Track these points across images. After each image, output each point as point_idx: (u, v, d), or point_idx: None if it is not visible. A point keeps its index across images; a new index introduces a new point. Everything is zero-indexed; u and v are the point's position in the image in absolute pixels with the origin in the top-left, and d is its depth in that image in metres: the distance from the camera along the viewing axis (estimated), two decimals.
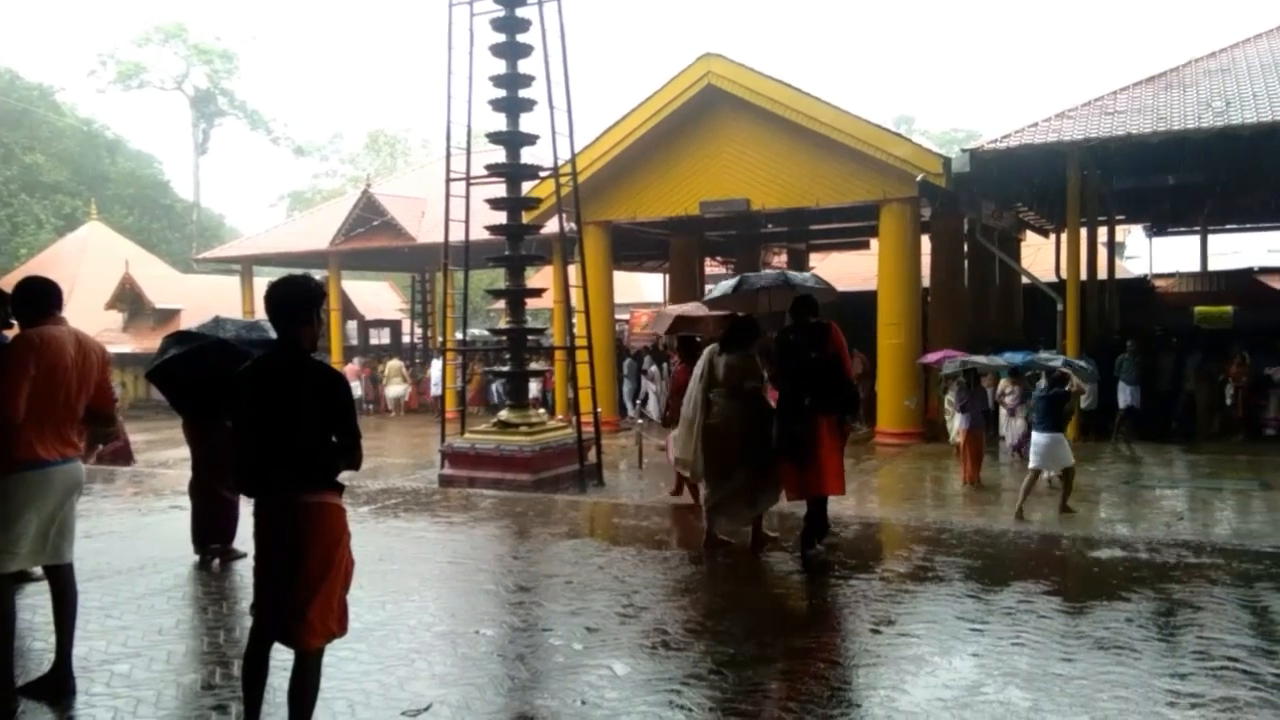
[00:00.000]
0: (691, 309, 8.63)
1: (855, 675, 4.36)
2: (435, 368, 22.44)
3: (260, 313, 4.28)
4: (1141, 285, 28.11)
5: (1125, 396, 16.11)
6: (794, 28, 78.66)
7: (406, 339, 32.44)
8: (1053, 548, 7.00)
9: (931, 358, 12.70)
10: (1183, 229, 28.98)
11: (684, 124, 17.46)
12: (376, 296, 36.72)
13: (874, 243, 20.08)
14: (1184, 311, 26.00)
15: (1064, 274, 16.66)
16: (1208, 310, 25.93)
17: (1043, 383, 11.23)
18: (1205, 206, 24.08)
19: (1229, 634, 4.73)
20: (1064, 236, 18.13)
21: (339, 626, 3.61)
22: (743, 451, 6.77)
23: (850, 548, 7.07)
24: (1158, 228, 29.76)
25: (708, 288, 27.32)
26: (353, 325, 32.69)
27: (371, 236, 23.29)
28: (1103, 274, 23.92)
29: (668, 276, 25.41)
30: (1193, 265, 28.50)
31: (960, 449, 11.65)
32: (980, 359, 11.87)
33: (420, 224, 22.78)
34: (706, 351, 7.10)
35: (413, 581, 6.16)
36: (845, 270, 29.41)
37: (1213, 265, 28.14)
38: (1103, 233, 23.90)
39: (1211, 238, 28.23)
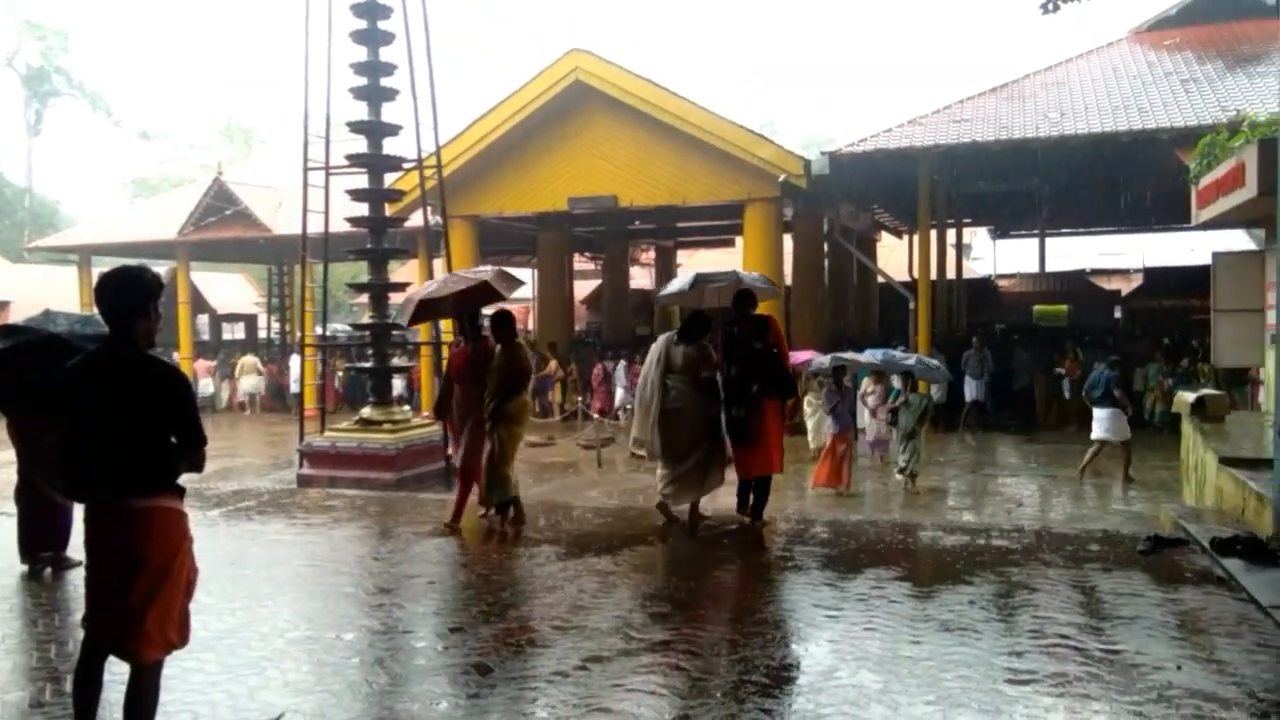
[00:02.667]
0: (435, 289, 8.32)
1: (716, 665, 4.44)
2: (294, 364, 21.63)
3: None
4: (986, 285, 29.74)
5: (971, 390, 16.99)
6: (660, 35, 79.49)
7: (263, 334, 31.13)
8: (904, 536, 7.31)
9: (800, 357, 12.25)
10: (1023, 232, 30.76)
11: (552, 119, 17.38)
12: (231, 290, 35.14)
13: (739, 241, 20.51)
14: (1024, 310, 27.67)
15: (916, 274, 17.43)
16: (1045, 309, 27.65)
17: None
18: (1043, 211, 25.60)
19: (1061, 613, 5.05)
20: (916, 238, 18.97)
21: (179, 637, 3.43)
22: (697, 435, 7.28)
23: (715, 542, 7.19)
24: (1001, 231, 31.51)
25: (576, 283, 27.37)
26: (204, 320, 31.15)
27: (224, 227, 22.24)
28: (951, 274, 25.17)
29: (536, 272, 25.25)
30: (1032, 266, 30.30)
31: (824, 452, 11.20)
32: (861, 357, 11.77)
33: (277, 214, 21.89)
34: (662, 340, 7.59)
35: (266, 586, 5.91)
36: (712, 267, 29.92)
37: (1050, 267, 29.99)
38: (951, 235, 25.17)
39: (1049, 240, 30.07)
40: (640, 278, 30.45)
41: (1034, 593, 5.44)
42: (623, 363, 18.87)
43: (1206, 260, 11.48)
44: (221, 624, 5.05)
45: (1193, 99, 14.68)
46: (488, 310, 8.33)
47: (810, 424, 13.79)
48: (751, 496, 7.48)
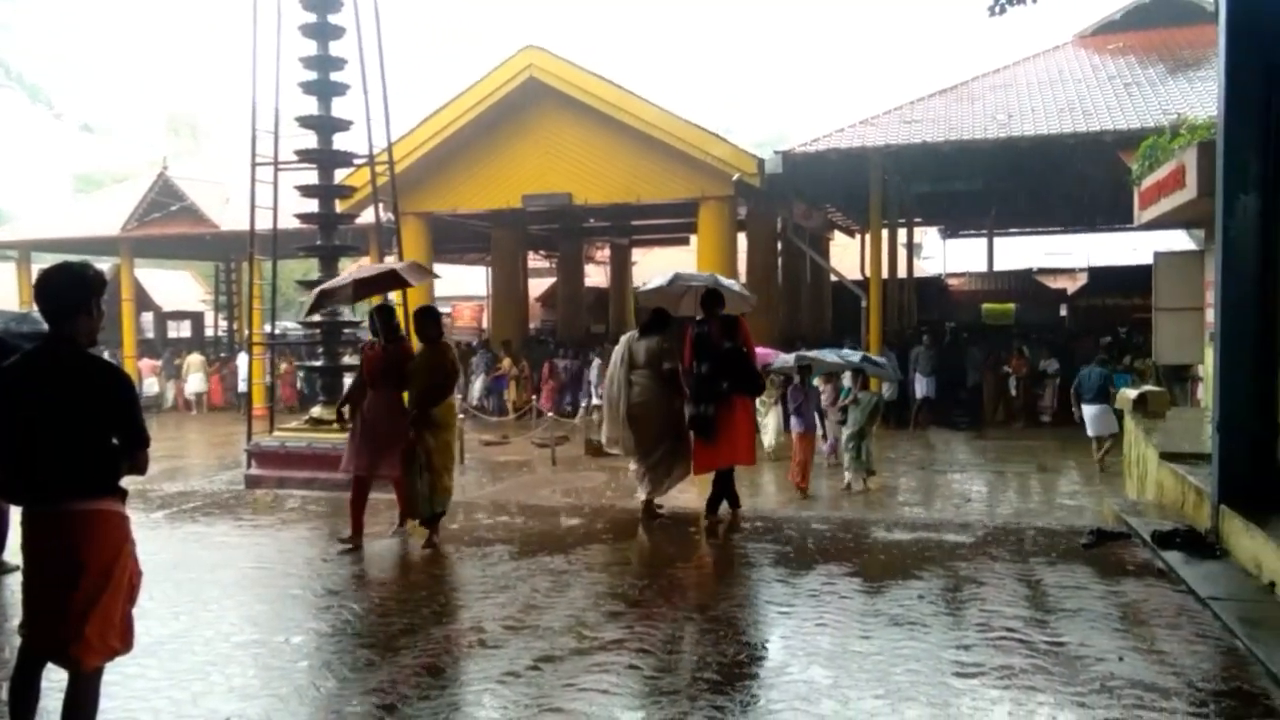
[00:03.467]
0: (337, 281, 8.23)
1: (668, 663, 4.45)
2: (242, 362, 21.27)
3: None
4: (936, 284, 30.19)
5: (921, 387, 17.22)
6: (616, 36, 79.46)
7: (211, 332, 30.56)
8: (856, 532, 7.38)
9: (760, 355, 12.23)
10: (972, 232, 31.26)
11: (506, 116, 17.30)
12: (177, 287, 34.44)
13: (694, 239, 20.57)
14: (973, 308, 28.13)
15: (868, 272, 17.63)
16: (993, 307, 28.13)
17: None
18: (992, 211, 26.04)
19: (1007, 606, 5.13)
20: (868, 237, 19.19)
21: (122, 643, 3.34)
22: (662, 428, 7.48)
23: (669, 539, 7.21)
24: (950, 230, 32.00)
25: (531, 281, 27.26)
26: (149, 317, 30.52)
27: (169, 222, 21.81)
28: (903, 273, 25.49)
29: (490, 270, 25.11)
30: (981, 266, 30.80)
31: (794, 453, 11.05)
32: (831, 356, 11.62)
33: (224, 210, 21.52)
34: (625, 338, 7.77)
35: (211, 590, 5.80)
36: (666, 266, 29.97)
37: (998, 266, 30.51)
38: (902, 234, 25.50)
39: (997, 240, 30.60)
40: (595, 276, 30.41)
41: (981, 587, 5.53)
42: (596, 361, 18.72)
43: (1149, 260, 11.77)
44: (165, 629, 4.95)
45: (1135, 102, 15.03)
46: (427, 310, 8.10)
47: (763, 424, 13.80)
48: (722, 490, 7.67)
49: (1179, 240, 19.69)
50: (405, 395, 6.99)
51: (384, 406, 6.95)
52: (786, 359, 11.50)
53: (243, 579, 6.16)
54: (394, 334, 7.13)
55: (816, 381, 12.68)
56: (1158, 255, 11.64)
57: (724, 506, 7.70)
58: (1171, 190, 9.71)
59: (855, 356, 11.81)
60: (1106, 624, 4.80)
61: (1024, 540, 6.69)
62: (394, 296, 10.53)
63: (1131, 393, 10.01)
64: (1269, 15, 5.58)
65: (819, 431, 11.39)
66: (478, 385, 20.24)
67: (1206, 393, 10.61)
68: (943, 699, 3.93)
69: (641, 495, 7.74)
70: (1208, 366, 10.16)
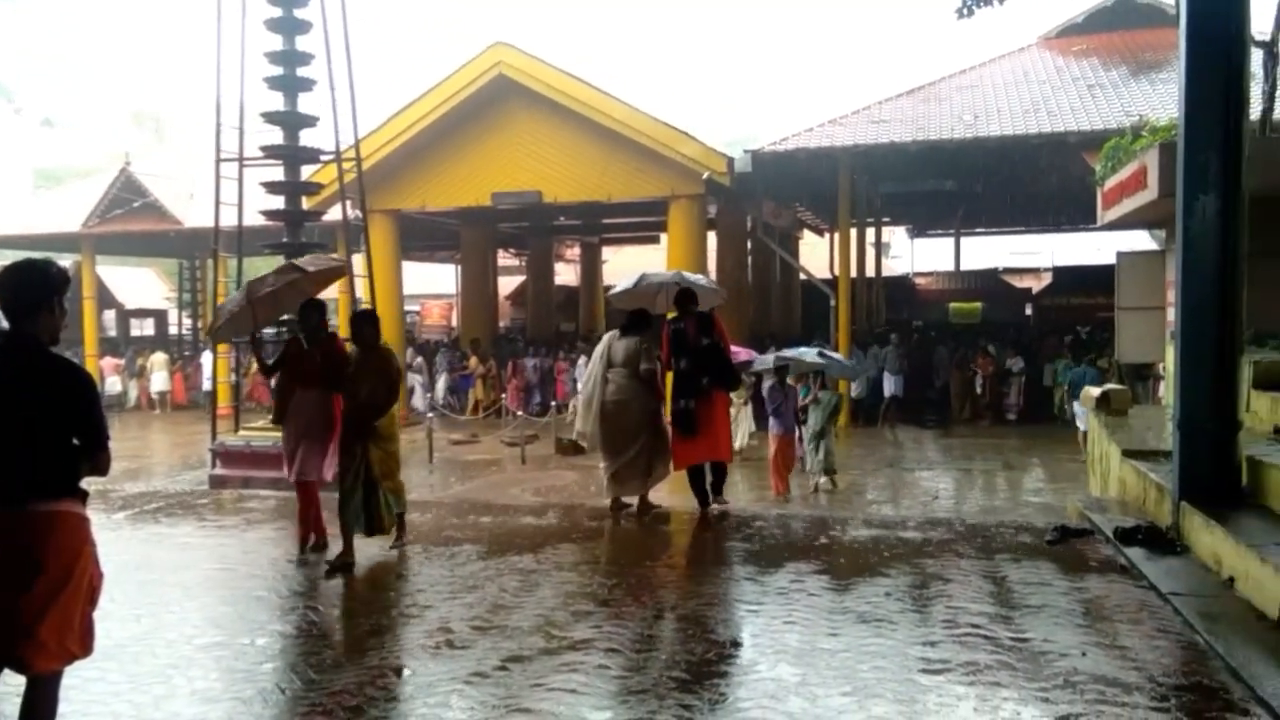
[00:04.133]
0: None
1: (637, 662, 4.44)
2: (206, 361, 20.99)
3: None
4: (904, 283, 30.44)
5: (890, 386, 17.35)
6: (589, 35, 79.35)
7: (174, 330, 30.15)
8: (824, 530, 7.41)
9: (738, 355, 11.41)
10: (939, 231, 31.55)
11: (475, 113, 17.21)
12: (140, 284, 33.94)
13: (664, 238, 20.59)
14: (940, 307, 28.39)
15: (837, 271, 17.73)
16: (961, 306, 28.40)
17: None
18: (959, 211, 26.29)
19: (973, 603, 5.18)
20: (837, 236, 19.30)
21: (81, 647, 3.28)
22: (637, 427, 7.53)
23: (635, 537, 7.21)
24: (918, 230, 32.27)
25: (501, 279, 27.15)
26: (111, 315, 30.06)
27: (132, 219, 21.48)
28: (871, 272, 25.65)
29: (460, 268, 24.97)
30: (948, 265, 31.09)
31: (773, 458, 10.66)
32: (811, 355, 11.39)
33: (189, 206, 21.23)
34: (606, 337, 7.89)
35: (174, 592, 5.72)
36: (637, 264, 29.98)
37: (965, 265, 30.81)
38: (871, 233, 25.66)
39: (964, 240, 30.92)
40: (565, 274, 30.35)
41: (948, 583, 5.57)
42: (583, 359, 18.58)
43: (1112, 260, 11.92)
44: (125, 631, 4.87)
45: (1099, 104, 15.23)
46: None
47: (735, 428, 13.67)
48: (710, 480, 7.77)
49: (1141, 240, 20.00)
50: (338, 398, 6.60)
51: (308, 407, 6.67)
52: (766, 360, 11.18)
53: (206, 580, 6.07)
54: (317, 333, 6.75)
55: (790, 380, 12.55)
56: (1120, 255, 11.80)
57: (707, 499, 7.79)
58: (1134, 191, 9.84)
59: (838, 356, 11.78)
60: (1070, 620, 4.86)
61: (990, 537, 6.75)
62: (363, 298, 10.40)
63: (1095, 391, 10.14)
64: (1228, 19, 5.67)
65: (798, 434, 11.11)
66: (441, 384, 20.13)
67: (1168, 391, 10.78)
68: (909, 695, 3.96)
69: (608, 496, 7.79)
70: (1169, 365, 10.32)
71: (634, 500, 7.79)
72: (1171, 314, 9.41)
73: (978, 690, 4.00)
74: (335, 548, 6.47)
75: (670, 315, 7.92)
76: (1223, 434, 5.75)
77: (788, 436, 10.76)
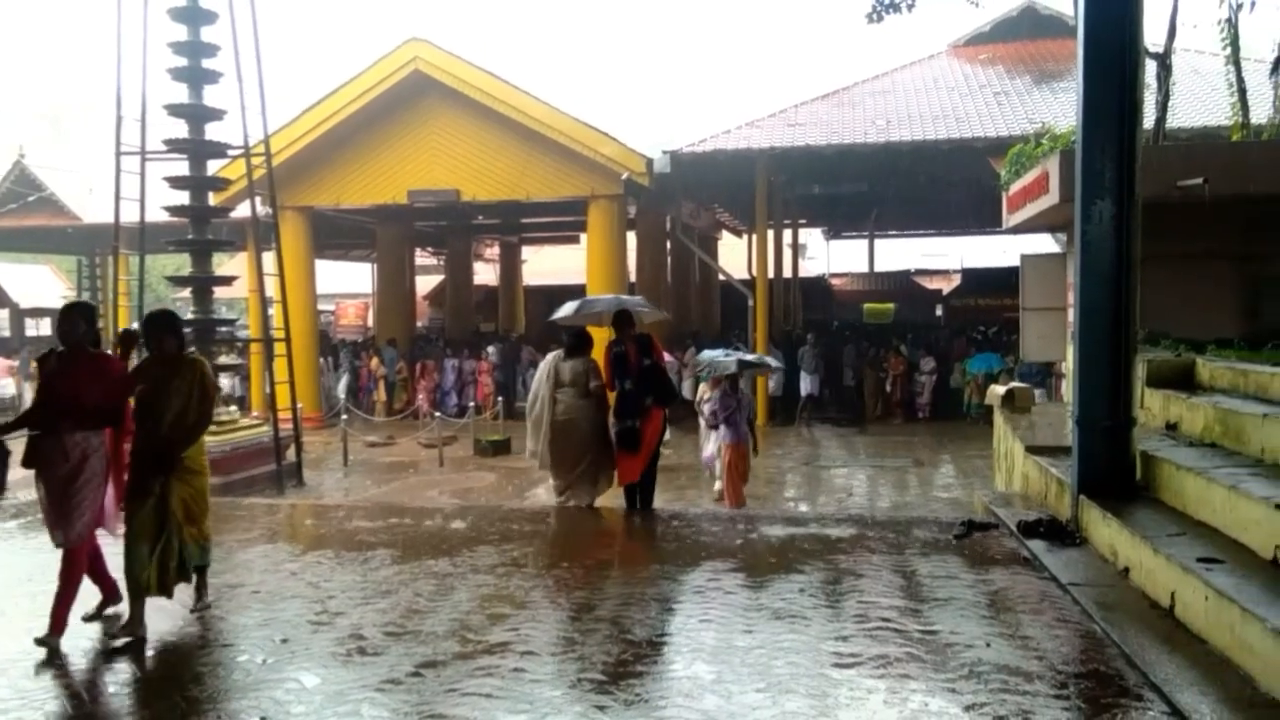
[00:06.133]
0: None
1: (555, 665, 4.42)
2: None
3: None
4: (820, 283, 30.98)
5: (806, 384, 17.63)
6: (512, 34, 78.74)
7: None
8: (741, 528, 7.49)
9: (669, 358, 11.08)
10: (854, 233, 32.20)
11: (391, 110, 16.93)
12: (36, 282, 32.50)
13: (584, 237, 20.56)
14: (855, 308, 28.98)
15: (754, 272, 17.95)
16: (874, 306, 29.04)
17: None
18: (872, 213, 26.86)
19: (883, 597, 5.29)
20: (754, 237, 19.53)
21: None
22: (586, 444, 7.87)
23: (554, 539, 7.17)
24: (833, 231, 32.89)
25: (418, 279, 26.74)
26: (4, 314, 28.74)
27: (26, 214, 20.56)
28: (788, 273, 26.04)
29: (376, 266, 24.51)
30: (862, 266, 31.76)
31: (726, 469, 9.92)
32: (770, 360, 11.09)
33: (88, 201, 20.40)
34: (550, 358, 8.14)
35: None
36: (556, 264, 29.92)
37: (878, 267, 31.51)
38: (788, 235, 26.05)
39: (878, 242, 31.60)
40: (484, 273, 30.05)
41: (860, 579, 5.68)
42: (531, 371, 18.24)
43: (1017, 262, 12.31)
44: (17, 645, 4.64)
45: (1004, 111, 15.73)
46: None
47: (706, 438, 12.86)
48: (640, 496, 8.08)
49: (1044, 243, 20.69)
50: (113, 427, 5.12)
51: (65, 444, 4.89)
52: (730, 365, 9.85)
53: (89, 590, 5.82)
54: (80, 343, 5.08)
55: (703, 387, 11.43)
56: (1024, 257, 12.20)
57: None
58: (1036, 195, 10.19)
59: (774, 361, 11.81)
60: (975, 611, 5.00)
61: (900, 532, 6.91)
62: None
63: (1000, 389, 10.46)
64: (1123, 30, 5.90)
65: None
66: (342, 384, 19.67)
67: (1068, 388, 11.20)
68: (821, 690, 4.02)
69: (555, 500, 8.16)
70: (1069, 363, 10.72)
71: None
72: (1072, 314, 9.79)
73: (888, 683, 4.08)
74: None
75: (610, 338, 8.22)
76: (1118, 430, 5.98)
77: (741, 446, 9.90)
